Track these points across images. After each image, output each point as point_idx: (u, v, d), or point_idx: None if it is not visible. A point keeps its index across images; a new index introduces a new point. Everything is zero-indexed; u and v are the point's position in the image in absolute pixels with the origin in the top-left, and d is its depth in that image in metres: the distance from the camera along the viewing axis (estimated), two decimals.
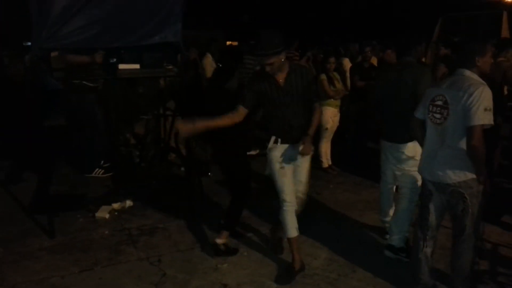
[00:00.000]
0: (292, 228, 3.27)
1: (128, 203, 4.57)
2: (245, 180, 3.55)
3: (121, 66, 4.01)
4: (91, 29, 3.74)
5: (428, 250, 2.88)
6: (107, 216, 4.33)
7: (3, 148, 5.60)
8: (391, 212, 3.74)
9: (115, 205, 4.50)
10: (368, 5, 18.00)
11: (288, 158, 3.22)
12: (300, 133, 3.16)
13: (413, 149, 3.35)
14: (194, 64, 7.29)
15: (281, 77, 3.16)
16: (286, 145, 3.23)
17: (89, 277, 3.33)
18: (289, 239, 3.32)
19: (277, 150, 3.24)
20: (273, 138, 3.25)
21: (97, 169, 4.88)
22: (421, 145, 2.94)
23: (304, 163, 3.32)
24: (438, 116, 2.70)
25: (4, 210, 4.52)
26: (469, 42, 2.79)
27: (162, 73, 4.29)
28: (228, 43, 13.55)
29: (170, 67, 4.15)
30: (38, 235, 3.96)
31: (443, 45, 5.12)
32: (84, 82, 3.89)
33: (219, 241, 3.58)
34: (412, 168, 3.36)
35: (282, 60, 3.09)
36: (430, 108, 2.76)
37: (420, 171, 2.91)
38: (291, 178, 3.27)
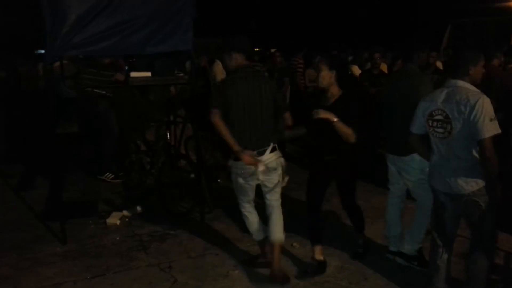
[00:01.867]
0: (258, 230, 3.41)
1: (139, 209, 4.60)
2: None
3: (133, 74, 4.06)
4: (104, 38, 3.78)
5: (446, 257, 2.86)
6: (118, 222, 4.36)
7: (16, 155, 5.67)
8: (397, 227, 3.61)
9: (126, 212, 4.53)
10: (376, 12, 17.99)
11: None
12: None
13: (419, 160, 3.19)
14: (204, 71, 7.35)
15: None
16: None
17: (101, 283, 3.35)
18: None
19: None
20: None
21: (107, 173, 4.93)
22: (425, 158, 2.91)
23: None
24: (440, 130, 2.67)
25: (16, 216, 4.58)
26: (463, 50, 2.76)
27: (173, 80, 4.32)
28: None
29: (181, 74, 4.19)
30: (51, 241, 4.01)
31: (454, 51, 5.09)
32: (95, 90, 3.93)
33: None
34: (422, 179, 3.24)
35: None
36: (430, 123, 2.73)
37: (430, 182, 2.86)
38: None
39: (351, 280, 3.32)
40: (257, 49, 12.97)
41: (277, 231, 3.27)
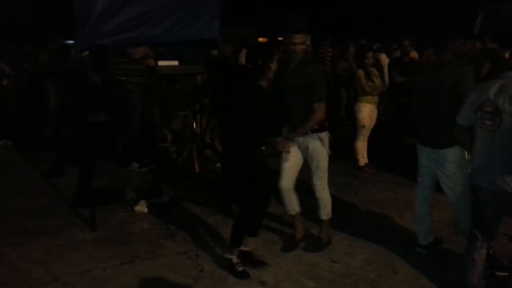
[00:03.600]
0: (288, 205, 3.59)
1: (166, 198, 4.64)
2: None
3: (161, 63, 4.06)
4: (132, 27, 3.79)
5: (484, 252, 2.78)
6: (146, 210, 4.41)
7: (46, 142, 5.79)
8: (426, 220, 3.53)
9: (154, 200, 4.57)
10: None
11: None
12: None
13: (456, 154, 3.12)
14: (228, 61, 7.29)
15: (293, 65, 3.33)
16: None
17: (130, 270, 3.39)
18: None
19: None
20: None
21: (134, 163, 4.98)
22: (468, 150, 2.81)
23: (314, 154, 3.42)
24: (489, 123, 2.57)
25: (47, 202, 4.68)
26: None
27: (200, 69, 4.31)
28: (260, 39, 13.47)
29: None
30: (81, 227, 4.08)
31: (490, 39, 4.88)
32: (131, 78, 3.94)
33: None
34: (459, 172, 3.14)
35: (307, 43, 3.31)
36: (479, 115, 2.62)
37: (473, 178, 2.76)
38: (293, 165, 3.47)
39: (380, 272, 3.27)
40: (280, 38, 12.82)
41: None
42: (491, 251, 2.99)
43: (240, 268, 3.24)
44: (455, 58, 3.28)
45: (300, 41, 3.25)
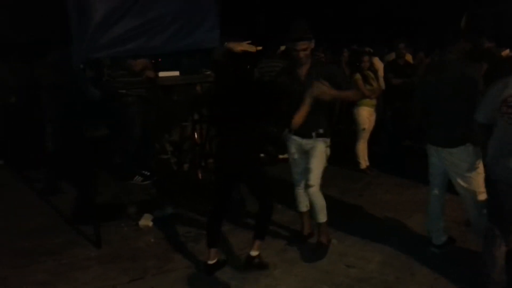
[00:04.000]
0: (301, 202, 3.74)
1: (170, 210, 4.54)
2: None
3: (161, 74, 3.99)
4: (131, 38, 3.70)
5: (504, 249, 2.75)
6: (150, 224, 4.30)
7: (40, 159, 5.63)
8: (439, 220, 3.52)
9: (158, 213, 4.47)
10: (387, 4, 17.66)
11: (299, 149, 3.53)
12: (312, 127, 3.38)
13: (468, 152, 3.11)
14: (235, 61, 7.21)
15: (304, 70, 3.36)
16: (297, 137, 3.49)
17: (140, 286, 3.30)
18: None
19: (290, 142, 3.56)
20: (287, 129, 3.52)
21: (137, 177, 4.86)
22: (483, 148, 2.80)
23: (314, 156, 3.45)
24: None
25: (46, 221, 4.53)
26: None
27: (201, 79, 4.25)
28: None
29: (208, 72, 4.11)
30: (84, 245, 3.95)
31: (487, 38, 4.96)
32: (132, 90, 3.86)
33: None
34: (472, 169, 3.13)
35: (312, 48, 3.32)
36: (505, 110, 2.61)
37: (492, 172, 2.75)
38: (301, 167, 3.57)
39: (398, 275, 3.23)
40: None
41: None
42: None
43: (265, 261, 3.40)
44: (460, 57, 3.29)
45: (303, 48, 3.27)
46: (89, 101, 4.18)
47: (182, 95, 5.02)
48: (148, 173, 4.32)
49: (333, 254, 3.58)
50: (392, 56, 6.35)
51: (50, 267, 3.60)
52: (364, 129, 5.47)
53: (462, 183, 3.22)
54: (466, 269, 3.16)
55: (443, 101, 3.19)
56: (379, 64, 6.60)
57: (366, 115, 5.45)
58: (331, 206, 3.66)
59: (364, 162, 5.63)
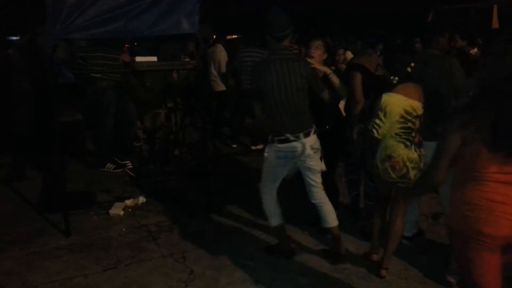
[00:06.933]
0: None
1: (141, 199, 4.46)
2: None
3: (138, 59, 3.89)
4: (108, 20, 3.59)
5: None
6: (121, 213, 4.22)
7: (5, 144, 5.39)
8: (414, 211, 3.59)
9: (128, 202, 4.39)
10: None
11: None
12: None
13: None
14: (191, 57, 7.10)
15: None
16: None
17: (114, 276, 3.23)
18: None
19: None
20: None
21: (108, 164, 4.75)
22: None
23: (311, 155, 3.23)
24: None
25: (12, 209, 4.37)
26: None
27: (180, 65, 4.17)
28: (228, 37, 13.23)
29: (187, 59, 4.04)
30: (53, 234, 3.84)
31: (460, 36, 5.11)
32: (106, 75, 3.73)
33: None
34: None
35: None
36: None
37: None
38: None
39: (369, 265, 3.31)
40: (235, 36, 12.74)
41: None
42: None
43: None
44: (441, 53, 3.37)
45: (286, 45, 3.19)
46: (61, 84, 4.02)
47: (157, 81, 4.91)
48: (121, 161, 4.23)
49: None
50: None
51: (17, 256, 3.48)
52: None
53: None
54: (436, 259, 3.28)
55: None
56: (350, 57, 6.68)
57: (342, 107, 5.50)
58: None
59: None
